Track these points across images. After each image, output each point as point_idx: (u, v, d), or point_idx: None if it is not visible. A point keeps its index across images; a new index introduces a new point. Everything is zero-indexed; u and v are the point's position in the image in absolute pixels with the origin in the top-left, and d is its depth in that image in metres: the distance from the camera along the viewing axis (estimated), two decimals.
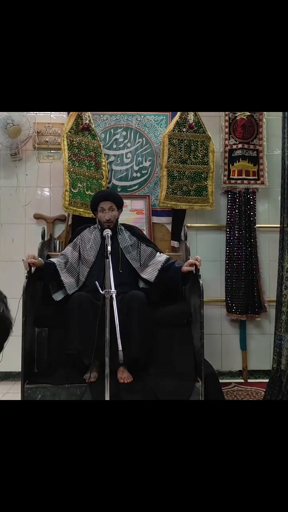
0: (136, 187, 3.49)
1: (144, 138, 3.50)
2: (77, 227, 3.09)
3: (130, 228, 2.96)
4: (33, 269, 2.60)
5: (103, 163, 3.32)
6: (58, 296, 2.73)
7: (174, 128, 3.34)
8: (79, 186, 3.21)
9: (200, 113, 3.38)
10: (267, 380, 2.80)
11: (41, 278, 2.70)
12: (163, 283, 2.78)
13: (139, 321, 2.50)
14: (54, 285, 2.74)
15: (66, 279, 2.71)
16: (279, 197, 2.81)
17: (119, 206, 2.85)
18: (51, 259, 2.79)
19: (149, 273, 2.79)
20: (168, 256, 2.86)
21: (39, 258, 2.64)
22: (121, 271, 2.71)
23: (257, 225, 3.49)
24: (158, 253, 2.87)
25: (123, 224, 2.97)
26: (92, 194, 3.19)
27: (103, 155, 3.33)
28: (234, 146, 3.49)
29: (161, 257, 2.83)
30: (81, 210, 3.23)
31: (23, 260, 2.58)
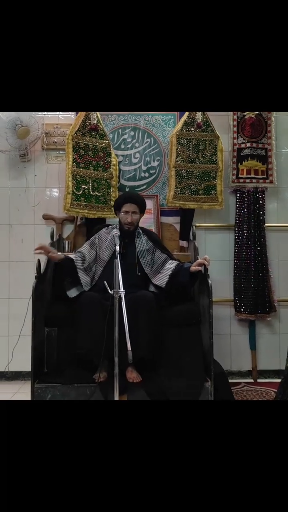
0: (144, 187, 3.48)
1: (152, 138, 3.49)
2: (90, 227, 3.09)
3: (148, 233, 2.96)
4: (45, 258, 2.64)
5: (113, 162, 3.32)
6: (73, 293, 2.73)
7: (182, 127, 3.33)
8: (83, 188, 3.22)
9: (208, 112, 3.36)
10: (277, 380, 2.78)
11: (59, 273, 2.70)
12: (173, 288, 2.77)
13: (147, 321, 2.49)
14: (69, 281, 2.75)
15: (83, 276, 2.73)
16: None
17: (142, 210, 2.86)
18: (69, 255, 2.80)
19: (160, 279, 2.79)
20: (178, 262, 2.85)
21: (58, 253, 2.67)
22: (139, 274, 2.74)
23: (266, 224, 3.47)
24: (170, 261, 2.86)
25: (141, 228, 2.96)
26: (99, 194, 3.21)
27: (113, 154, 3.33)
28: (243, 145, 3.47)
29: (172, 264, 2.82)
30: (85, 211, 3.24)
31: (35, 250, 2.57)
